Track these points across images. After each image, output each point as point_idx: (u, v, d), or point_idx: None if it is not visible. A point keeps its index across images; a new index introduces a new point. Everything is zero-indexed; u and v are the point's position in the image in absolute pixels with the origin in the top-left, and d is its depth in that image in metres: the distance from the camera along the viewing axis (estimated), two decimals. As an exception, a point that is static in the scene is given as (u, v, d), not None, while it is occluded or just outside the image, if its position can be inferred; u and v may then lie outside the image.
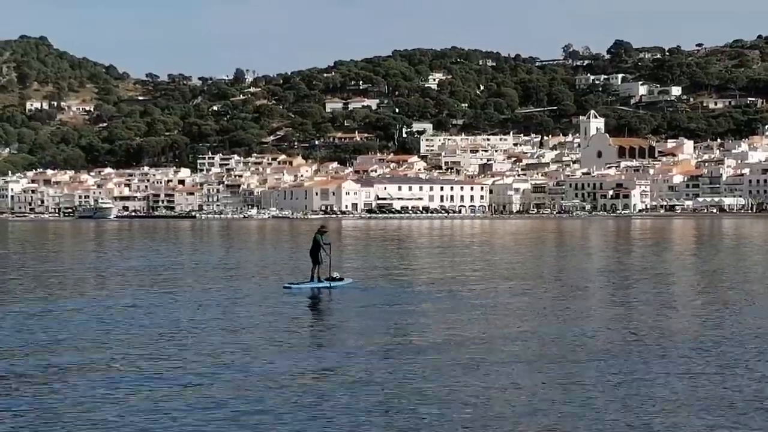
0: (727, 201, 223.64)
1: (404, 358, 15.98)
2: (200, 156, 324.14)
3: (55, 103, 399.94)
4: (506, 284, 30.51)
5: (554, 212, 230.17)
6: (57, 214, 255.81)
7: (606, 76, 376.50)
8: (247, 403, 12.69)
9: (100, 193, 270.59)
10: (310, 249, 29.56)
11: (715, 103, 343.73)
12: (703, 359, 15.91)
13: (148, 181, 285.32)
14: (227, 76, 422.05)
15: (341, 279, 29.46)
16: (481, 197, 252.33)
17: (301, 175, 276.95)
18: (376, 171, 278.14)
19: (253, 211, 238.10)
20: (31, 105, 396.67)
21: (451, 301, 25.16)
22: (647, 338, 18.27)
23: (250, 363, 15.63)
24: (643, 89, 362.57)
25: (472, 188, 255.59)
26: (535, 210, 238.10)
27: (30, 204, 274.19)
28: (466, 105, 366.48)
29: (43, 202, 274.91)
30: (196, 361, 15.79)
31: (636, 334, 18.90)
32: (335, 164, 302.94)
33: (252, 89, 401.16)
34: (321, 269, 29.18)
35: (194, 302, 25.18)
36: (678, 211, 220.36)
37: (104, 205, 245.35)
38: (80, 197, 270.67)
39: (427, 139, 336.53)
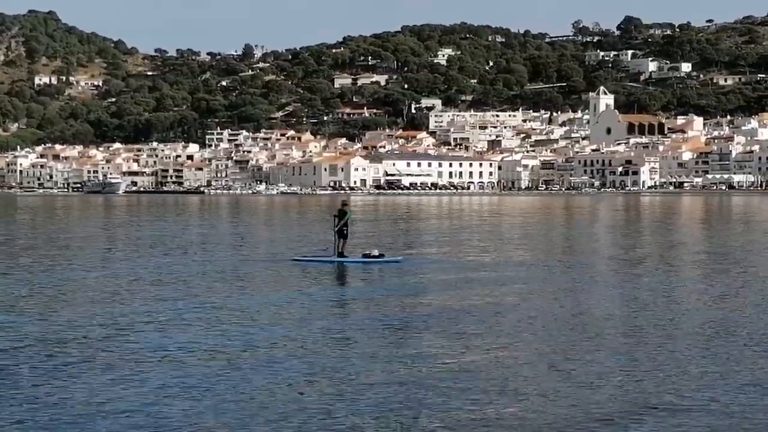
0: (737, 178, 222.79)
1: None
2: (209, 131, 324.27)
3: (64, 78, 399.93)
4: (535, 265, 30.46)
5: (563, 189, 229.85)
6: (66, 189, 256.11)
7: (616, 53, 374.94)
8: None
9: (108, 168, 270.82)
10: (336, 225, 29.19)
11: (725, 80, 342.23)
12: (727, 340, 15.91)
13: (156, 156, 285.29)
14: (236, 52, 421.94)
15: (381, 255, 28.76)
16: (490, 174, 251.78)
17: (310, 151, 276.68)
18: (384, 147, 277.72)
19: (262, 187, 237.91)
20: (40, 80, 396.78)
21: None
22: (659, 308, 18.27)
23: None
24: (652, 65, 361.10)
25: (481, 164, 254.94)
26: (544, 186, 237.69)
27: (39, 179, 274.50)
28: (475, 81, 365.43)
29: (51, 177, 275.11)
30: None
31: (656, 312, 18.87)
32: (344, 140, 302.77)
33: (261, 65, 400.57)
34: (344, 243, 29.12)
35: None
36: (687, 188, 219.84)
37: (113, 181, 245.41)
38: (89, 172, 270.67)
39: (436, 115, 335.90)
